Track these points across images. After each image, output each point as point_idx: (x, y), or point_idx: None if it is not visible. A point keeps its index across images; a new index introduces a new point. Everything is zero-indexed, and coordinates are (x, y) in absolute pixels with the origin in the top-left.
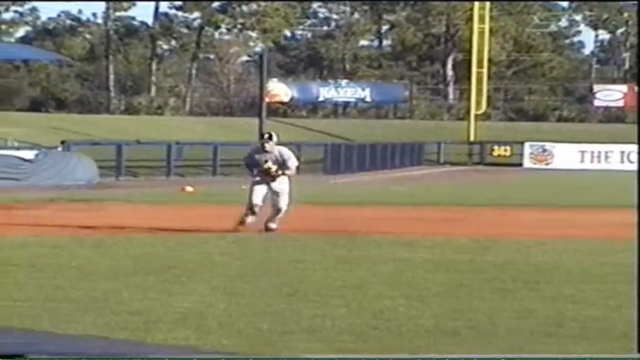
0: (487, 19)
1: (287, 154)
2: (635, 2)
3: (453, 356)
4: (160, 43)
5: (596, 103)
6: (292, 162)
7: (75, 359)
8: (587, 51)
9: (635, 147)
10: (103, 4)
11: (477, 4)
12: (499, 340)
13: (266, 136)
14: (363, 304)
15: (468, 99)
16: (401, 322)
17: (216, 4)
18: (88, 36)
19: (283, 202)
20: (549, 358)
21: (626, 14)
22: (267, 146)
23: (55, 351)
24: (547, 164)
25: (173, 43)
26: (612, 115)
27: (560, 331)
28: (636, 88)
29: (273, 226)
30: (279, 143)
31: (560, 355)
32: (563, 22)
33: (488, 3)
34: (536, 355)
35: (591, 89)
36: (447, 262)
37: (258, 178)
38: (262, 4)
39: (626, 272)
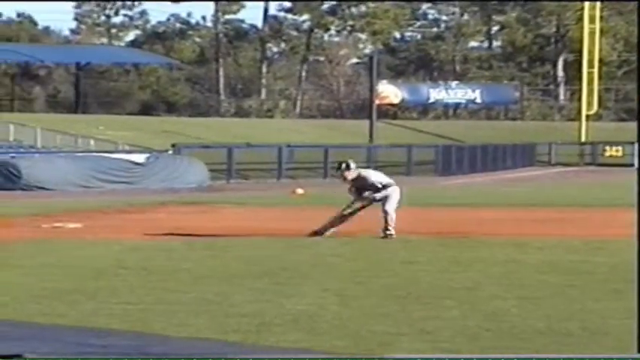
0: (597, 19)
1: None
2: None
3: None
4: (269, 45)
5: None
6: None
7: (73, 359)
8: None
9: None
10: (212, 8)
11: (587, 4)
12: (611, 341)
13: (343, 165)
14: (475, 306)
15: (579, 99)
16: (513, 323)
17: (325, 6)
18: (197, 39)
19: (389, 206)
20: (549, 358)
21: None
22: (348, 175)
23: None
24: None
25: (283, 45)
26: None
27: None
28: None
29: (388, 232)
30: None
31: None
32: None
33: (598, 3)
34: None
35: None
36: (559, 263)
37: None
38: (371, 5)
39: None
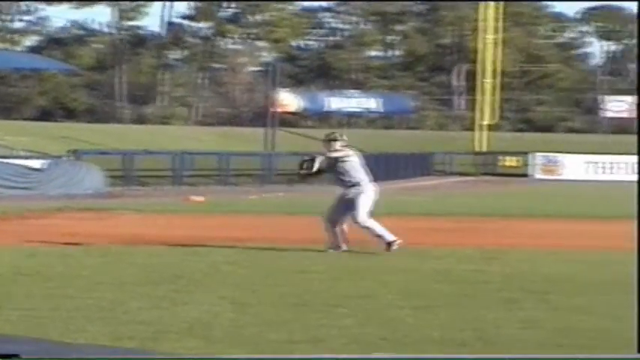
0: (490, 28)
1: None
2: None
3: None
4: (169, 52)
5: (605, 114)
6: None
7: (73, 358)
8: (594, 62)
9: None
10: (112, 14)
11: (483, 14)
12: (506, 351)
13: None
14: (370, 314)
15: (475, 109)
16: (408, 332)
17: (226, 14)
18: (97, 45)
19: (360, 215)
20: (543, 358)
21: (630, 25)
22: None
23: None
24: (556, 175)
25: (182, 52)
26: (620, 126)
27: (567, 341)
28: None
29: (391, 241)
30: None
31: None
32: (571, 34)
33: (492, 15)
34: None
35: (599, 100)
36: (454, 272)
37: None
38: (272, 13)
39: (632, 282)
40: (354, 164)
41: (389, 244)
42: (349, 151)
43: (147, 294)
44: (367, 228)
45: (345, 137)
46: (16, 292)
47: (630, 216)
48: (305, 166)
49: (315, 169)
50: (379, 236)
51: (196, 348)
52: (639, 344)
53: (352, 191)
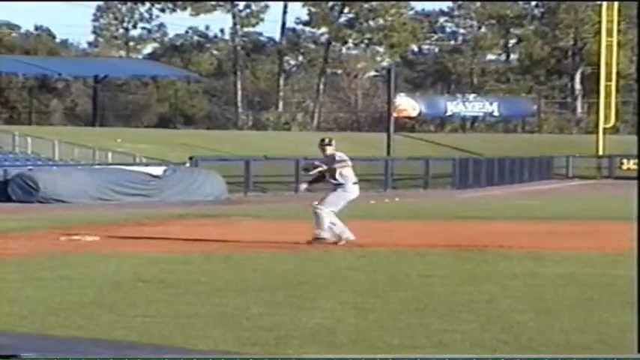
0: (615, 32)
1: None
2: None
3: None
4: (287, 58)
5: None
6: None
7: (68, 359)
8: None
9: None
10: (230, 21)
11: (604, 17)
12: (631, 354)
13: (326, 140)
14: (492, 319)
15: (597, 112)
16: (531, 336)
17: (343, 19)
18: (215, 52)
19: (324, 206)
20: (544, 359)
21: None
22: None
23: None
24: None
25: (300, 58)
26: None
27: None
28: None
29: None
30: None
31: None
32: None
33: (616, 17)
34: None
35: None
36: (577, 276)
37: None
38: (389, 18)
39: None
40: (348, 168)
41: (316, 239)
42: (344, 155)
43: (269, 300)
44: (316, 215)
45: (334, 142)
46: (137, 298)
47: None
48: (309, 170)
49: (316, 171)
50: (318, 227)
51: (319, 353)
52: (639, 344)
53: (338, 189)
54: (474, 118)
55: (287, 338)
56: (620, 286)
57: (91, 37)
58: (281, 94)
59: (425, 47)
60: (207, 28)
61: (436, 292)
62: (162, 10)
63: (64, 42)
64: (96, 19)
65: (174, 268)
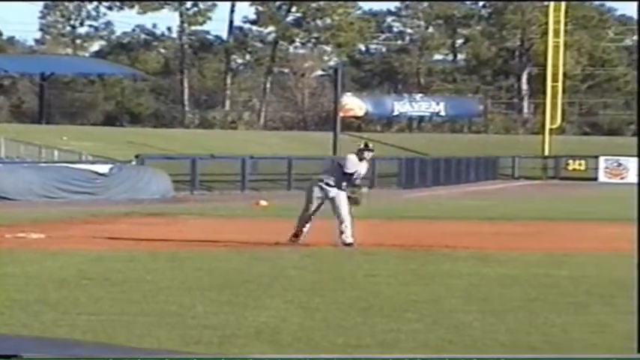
0: (562, 33)
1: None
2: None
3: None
4: (234, 57)
5: None
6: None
7: (70, 359)
8: None
9: None
10: (177, 19)
11: (551, 18)
12: (574, 355)
13: (371, 145)
14: (437, 319)
15: (543, 113)
16: (476, 336)
17: (290, 18)
18: (162, 50)
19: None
20: (489, 359)
21: None
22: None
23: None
24: (622, 178)
25: (248, 57)
26: None
27: (636, 345)
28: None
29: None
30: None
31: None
32: (637, 37)
33: (563, 18)
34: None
35: None
36: (521, 276)
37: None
38: (337, 17)
39: None
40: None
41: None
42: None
43: (214, 299)
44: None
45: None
46: (82, 296)
47: None
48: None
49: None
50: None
51: (264, 352)
52: (639, 344)
53: (334, 190)
54: (421, 118)
55: (232, 337)
56: (564, 286)
57: (38, 35)
58: (228, 92)
59: (372, 47)
60: (154, 26)
61: (382, 291)
62: (110, 8)
63: (11, 39)
64: (43, 17)
65: (120, 267)
